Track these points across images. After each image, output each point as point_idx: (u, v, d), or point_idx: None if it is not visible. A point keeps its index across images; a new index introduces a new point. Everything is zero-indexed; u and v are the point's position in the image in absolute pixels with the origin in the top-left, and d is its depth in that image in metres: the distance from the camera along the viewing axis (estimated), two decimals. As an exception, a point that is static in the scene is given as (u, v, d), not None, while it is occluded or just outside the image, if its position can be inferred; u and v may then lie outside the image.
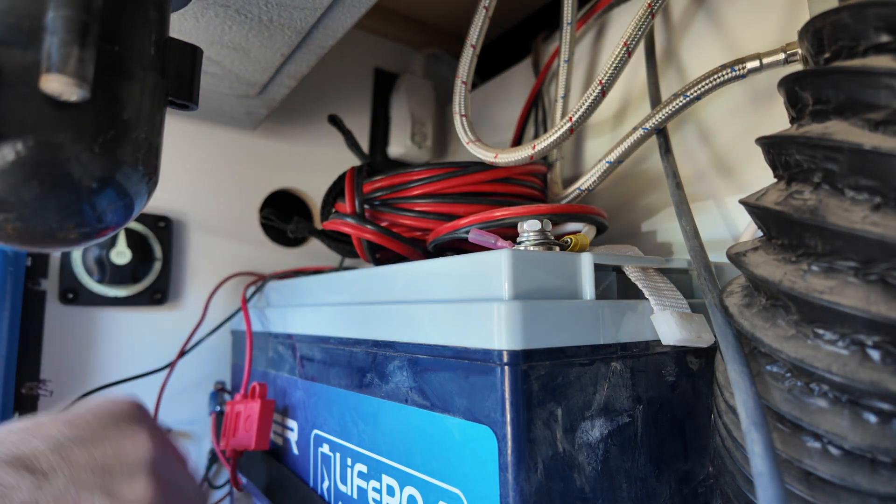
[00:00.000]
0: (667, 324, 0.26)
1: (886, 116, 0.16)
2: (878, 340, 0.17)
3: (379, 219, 0.40)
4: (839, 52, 0.19)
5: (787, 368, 0.20)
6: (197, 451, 0.55)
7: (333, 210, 0.45)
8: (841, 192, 0.17)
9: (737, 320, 0.21)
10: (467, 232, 0.34)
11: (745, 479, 0.22)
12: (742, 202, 0.22)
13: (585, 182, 0.37)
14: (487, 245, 0.29)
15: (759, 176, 0.37)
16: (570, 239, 0.30)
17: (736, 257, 0.22)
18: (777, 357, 0.19)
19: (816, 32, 0.20)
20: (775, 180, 0.21)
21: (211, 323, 0.55)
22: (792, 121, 0.21)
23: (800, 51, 0.29)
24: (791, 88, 0.20)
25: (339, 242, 0.48)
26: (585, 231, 0.34)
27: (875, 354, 0.17)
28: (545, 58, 0.56)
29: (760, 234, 0.35)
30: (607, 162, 0.36)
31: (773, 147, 0.20)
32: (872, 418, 0.17)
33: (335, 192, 0.46)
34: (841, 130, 0.17)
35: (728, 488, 0.23)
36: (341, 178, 0.45)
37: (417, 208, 0.39)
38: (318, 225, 0.64)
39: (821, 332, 0.18)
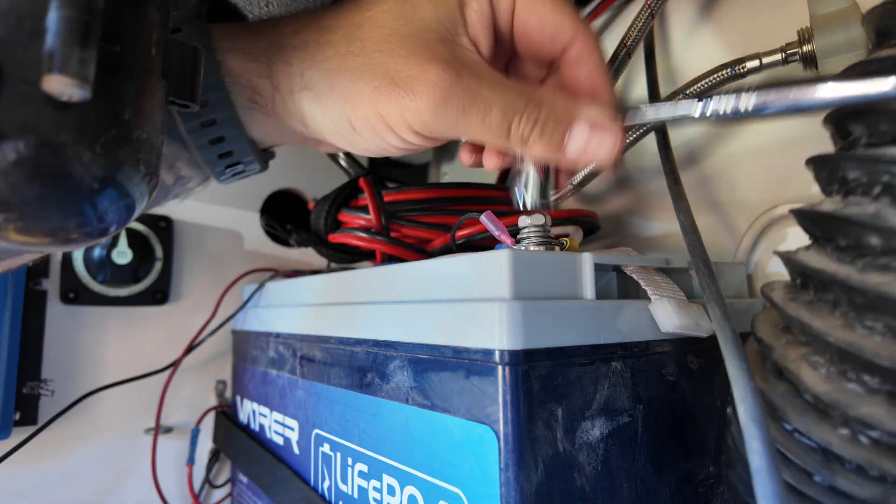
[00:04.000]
0: (665, 311, 0.26)
1: None
2: None
3: (396, 231, 0.41)
4: None
5: (828, 357, 0.20)
6: (198, 451, 0.55)
7: (341, 222, 0.45)
8: None
9: (781, 308, 0.22)
10: (458, 243, 0.35)
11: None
12: (792, 212, 0.22)
13: (577, 177, 0.37)
14: (493, 232, 0.29)
15: (757, 180, 0.37)
16: (566, 241, 0.30)
17: (786, 254, 0.22)
18: (824, 341, 0.19)
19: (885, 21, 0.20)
20: (826, 196, 0.22)
21: (212, 323, 0.55)
22: (840, 149, 0.22)
23: (799, 50, 0.29)
24: (840, 124, 0.21)
25: (341, 252, 0.48)
26: (573, 234, 0.35)
27: None
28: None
29: (756, 240, 0.35)
30: None
31: (826, 164, 0.21)
32: None
33: (338, 202, 0.45)
34: None
35: (738, 481, 0.24)
36: (343, 189, 0.44)
37: (422, 220, 0.41)
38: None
39: (870, 323, 0.19)
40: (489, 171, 0.29)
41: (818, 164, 0.22)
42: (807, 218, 0.22)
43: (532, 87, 0.23)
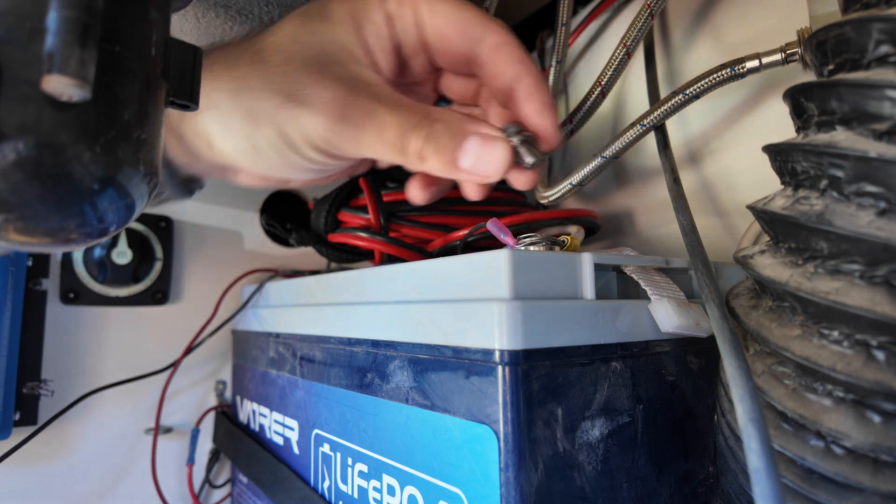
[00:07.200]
0: (664, 311, 0.26)
1: (890, 127, 0.17)
2: (882, 341, 0.17)
3: (395, 231, 0.41)
4: (843, 64, 0.19)
5: (792, 368, 0.20)
6: (198, 451, 0.55)
7: (341, 221, 0.45)
8: (847, 197, 0.18)
9: (743, 321, 0.21)
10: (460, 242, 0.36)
11: (747, 478, 0.22)
12: (749, 207, 0.22)
13: (577, 177, 0.37)
14: (499, 237, 0.29)
15: (757, 180, 0.37)
16: (566, 240, 0.30)
17: (743, 259, 0.22)
18: (782, 356, 0.19)
19: (820, 45, 0.20)
20: (782, 187, 0.22)
21: (212, 323, 0.55)
22: (798, 130, 0.21)
23: (799, 50, 0.29)
24: (796, 99, 0.20)
25: (341, 252, 0.48)
26: (575, 233, 0.35)
27: (880, 355, 0.17)
28: (549, 53, 0.56)
29: (756, 241, 0.35)
30: (602, 157, 0.35)
31: (779, 154, 0.21)
32: (876, 418, 0.17)
33: (337, 202, 0.45)
34: (846, 139, 0.18)
35: (730, 488, 0.23)
36: (343, 188, 0.44)
37: (422, 220, 0.41)
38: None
39: (826, 331, 0.18)
40: (419, 201, 0.31)
41: (771, 154, 0.21)
42: (759, 216, 0.22)
43: (427, 106, 0.24)
